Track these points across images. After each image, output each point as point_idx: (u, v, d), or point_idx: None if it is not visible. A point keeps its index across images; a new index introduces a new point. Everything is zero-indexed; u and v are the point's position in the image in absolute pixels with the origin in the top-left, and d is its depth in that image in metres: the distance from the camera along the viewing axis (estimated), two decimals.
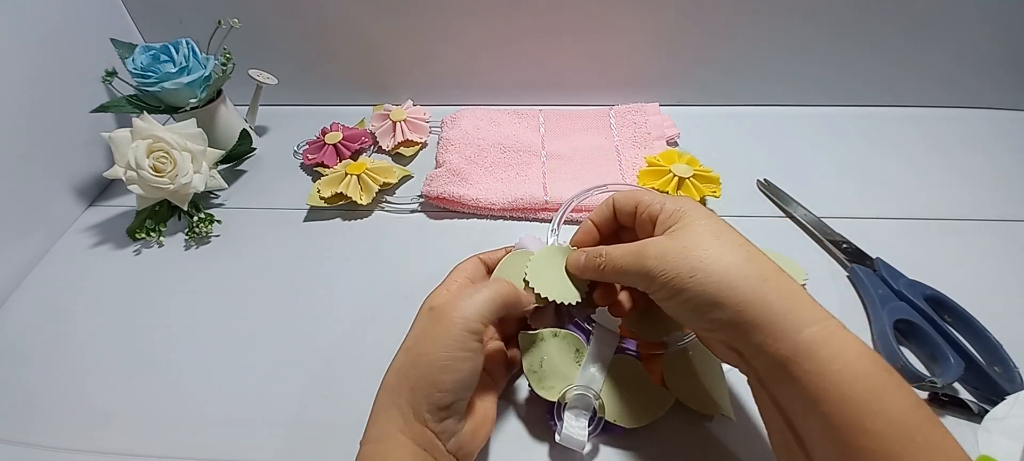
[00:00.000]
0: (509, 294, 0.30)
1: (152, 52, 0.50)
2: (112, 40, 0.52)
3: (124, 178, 0.45)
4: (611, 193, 0.33)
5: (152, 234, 0.47)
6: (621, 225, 0.32)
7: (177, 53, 0.51)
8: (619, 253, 0.29)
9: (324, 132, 0.57)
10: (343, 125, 0.58)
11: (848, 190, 0.50)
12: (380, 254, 0.46)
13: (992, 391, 0.33)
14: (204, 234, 0.48)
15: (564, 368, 0.32)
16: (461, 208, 0.50)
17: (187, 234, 0.48)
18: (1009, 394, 0.32)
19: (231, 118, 0.56)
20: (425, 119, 0.59)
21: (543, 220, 0.49)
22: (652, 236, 0.29)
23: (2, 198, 0.45)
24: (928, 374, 0.34)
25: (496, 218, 0.50)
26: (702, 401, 0.33)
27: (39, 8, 0.48)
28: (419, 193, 0.51)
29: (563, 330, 0.33)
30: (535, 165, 0.53)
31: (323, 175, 0.52)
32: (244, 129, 0.56)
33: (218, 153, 0.50)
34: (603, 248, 0.30)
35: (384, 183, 0.51)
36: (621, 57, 0.59)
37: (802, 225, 0.47)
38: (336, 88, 0.64)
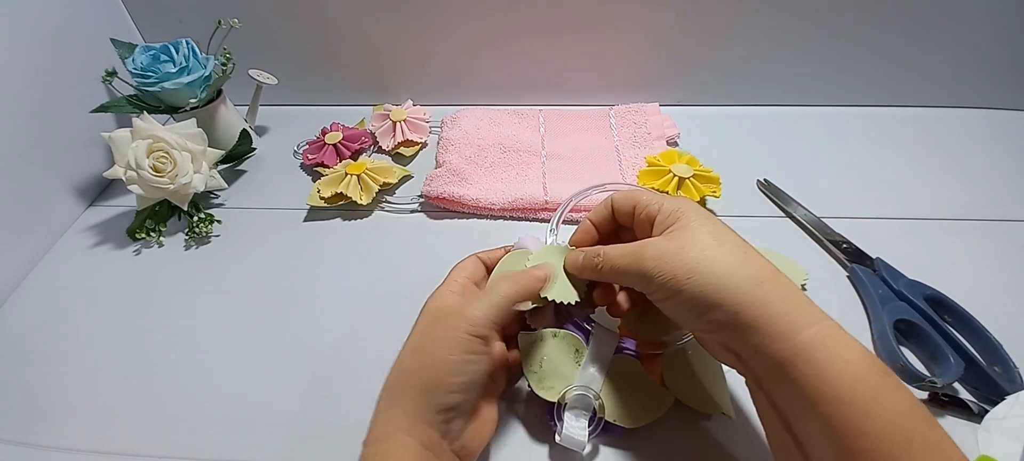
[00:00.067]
0: (515, 292, 0.30)
1: (152, 52, 0.50)
2: (112, 40, 0.52)
3: (124, 178, 0.45)
4: (610, 193, 0.33)
5: (152, 234, 0.47)
6: (620, 225, 0.32)
7: (177, 53, 0.51)
8: (617, 253, 0.29)
9: (324, 132, 0.57)
10: (343, 125, 0.58)
11: (848, 190, 0.50)
12: (380, 254, 0.46)
13: (992, 391, 0.33)
14: (204, 234, 0.48)
15: (564, 368, 0.32)
16: (461, 208, 0.50)
17: (187, 234, 0.48)
18: (1009, 394, 0.32)
19: (231, 118, 0.56)
20: (425, 119, 0.59)
21: (543, 220, 0.49)
22: (650, 236, 0.29)
23: (2, 198, 0.45)
24: (928, 374, 0.34)
25: (496, 218, 0.50)
26: (702, 400, 0.33)
27: (39, 8, 0.48)
28: (419, 193, 0.51)
29: (562, 330, 0.33)
30: (535, 165, 0.53)
31: (323, 175, 0.52)
32: (244, 129, 0.56)
33: (218, 153, 0.50)
34: (601, 248, 0.30)
35: (384, 183, 0.51)
36: (621, 57, 0.59)
37: (802, 225, 0.47)
38: (336, 88, 0.64)
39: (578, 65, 0.60)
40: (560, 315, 0.35)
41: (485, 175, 0.52)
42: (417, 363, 0.28)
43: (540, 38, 0.58)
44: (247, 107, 0.59)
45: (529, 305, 0.31)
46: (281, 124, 0.63)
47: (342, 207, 0.50)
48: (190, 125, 0.48)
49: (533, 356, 0.32)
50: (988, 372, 0.34)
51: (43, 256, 0.48)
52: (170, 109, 0.52)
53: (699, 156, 0.50)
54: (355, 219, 0.50)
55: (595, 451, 0.32)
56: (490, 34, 0.58)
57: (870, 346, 0.37)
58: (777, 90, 0.60)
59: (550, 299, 0.31)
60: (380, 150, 0.58)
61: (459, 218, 0.50)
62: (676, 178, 0.47)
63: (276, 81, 0.59)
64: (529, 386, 0.32)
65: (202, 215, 0.48)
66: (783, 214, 0.48)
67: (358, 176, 0.50)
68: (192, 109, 0.52)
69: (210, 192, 0.52)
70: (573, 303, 0.31)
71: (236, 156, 0.56)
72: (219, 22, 0.52)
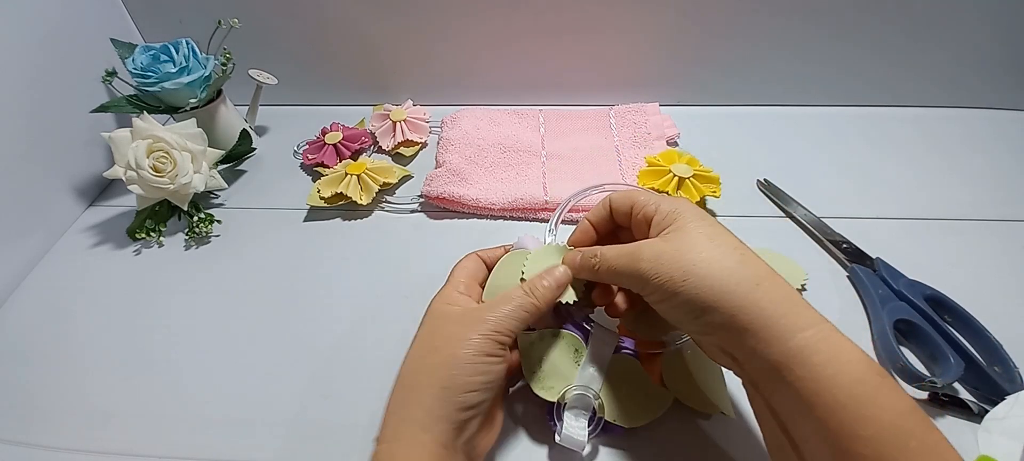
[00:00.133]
0: (535, 308, 0.30)
1: (152, 52, 0.50)
2: (112, 40, 0.52)
3: (124, 178, 0.45)
4: (608, 193, 0.33)
5: (152, 234, 0.47)
6: (619, 225, 0.32)
7: (177, 53, 0.51)
8: (614, 254, 0.28)
9: (324, 132, 0.57)
10: (343, 125, 0.58)
11: (848, 190, 0.50)
12: (380, 254, 0.46)
13: (992, 391, 0.33)
14: (204, 234, 0.48)
15: (563, 368, 0.32)
16: (461, 208, 0.50)
17: (187, 234, 0.48)
18: (1009, 394, 0.32)
19: (231, 118, 0.56)
20: (425, 119, 0.59)
21: (543, 220, 0.49)
22: (648, 237, 0.28)
23: (2, 198, 0.45)
24: (928, 374, 0.34)
25: (496, 218, 0.50)
26: (701, 400, 0.33)
27: (39, 8, 0.48)
28: (419, 193, 0.51)
29: (562, 330, 0.33)
30: (535, 165, 0.53)
31: (323, 175, 0.52)
32: (244, 129, 0.56)
33: (218, 153, 0.50)
34: (598, 248, 0.30)
35: (384, 183, 0.51)
36: (621, 57, 0.59)
37: (802, 225, 0.47)
38: (336, 88, 0.64)
39: (578, 65, 0.60)
40: (559, 315, 0.35)
41: (485, 175, 0.52)
42: (437, 361, 0.28)
43: (540, 38, 0.58)
44: (247, 107, 0.60)
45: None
46: (281, 124, 0.63)
47: (342, 207, 0.50)
48: (190, 125, 0.48)
49: (532, 356, 0.32)
50: (988, 372, 0.34)
51: (43, 256, 0.48)
52: (170, 109, 0.52)
53: (699, 156, 0.50)
54: (355, 219, 0.50)
55: (595, 451, 0.32)
56: (490, 34, 0.58)
57: (870, 346, 0.37)
58: (777, 90, 0.60)
59: None
60: (380, 150, 0.58)
61: (459, 218, 0.50)
62: (676, 178, 0.47)
63: (276, 81, 0.59)
64: (529, 386, 0.32)
65: (202, 215, 0.48)
66: (783, 214, 0.48)
67: (358, 176, 0.50)
68: (192, 109, 0.52)
69: (210, 192, 0.52)
70: (571, 302, 0.31)
71: (236, 156, 0.56)
72: (219, 22, 0.52)
